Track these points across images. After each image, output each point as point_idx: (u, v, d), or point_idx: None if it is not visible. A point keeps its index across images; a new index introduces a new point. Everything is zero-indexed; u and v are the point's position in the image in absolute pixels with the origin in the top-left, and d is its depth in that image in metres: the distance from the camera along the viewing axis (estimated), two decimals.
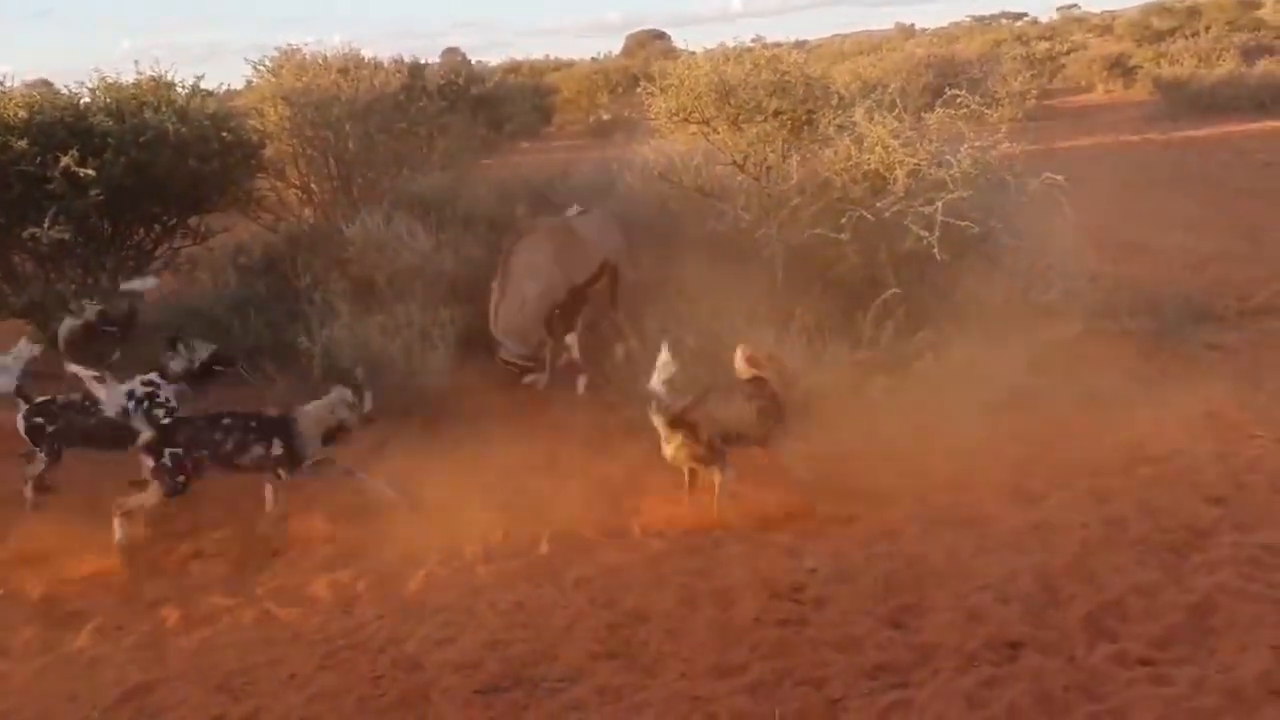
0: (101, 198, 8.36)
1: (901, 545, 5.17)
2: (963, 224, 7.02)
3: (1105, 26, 46.87)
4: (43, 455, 6.23)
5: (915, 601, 4.63)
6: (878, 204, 7.26)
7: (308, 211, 10.90)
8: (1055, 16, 55.07)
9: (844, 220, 7.34)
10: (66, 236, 8.34)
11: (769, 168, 7.92)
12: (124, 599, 5.29)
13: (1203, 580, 4.59)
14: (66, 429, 6.23)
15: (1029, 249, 7.99)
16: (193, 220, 9.63)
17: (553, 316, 7.51)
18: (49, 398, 6.32)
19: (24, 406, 6.24)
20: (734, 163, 8.07)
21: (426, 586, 5.16)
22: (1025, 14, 54.27)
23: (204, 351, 6.52)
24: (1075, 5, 60.50)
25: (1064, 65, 31.91)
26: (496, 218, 9.14)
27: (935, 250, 6.94)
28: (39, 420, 6.23)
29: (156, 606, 5.18)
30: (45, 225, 8.18)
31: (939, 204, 6.96)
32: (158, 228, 9.55)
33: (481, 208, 9.46)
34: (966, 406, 6.57)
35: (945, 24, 55.57)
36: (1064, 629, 4.31)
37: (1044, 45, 32.11)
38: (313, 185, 11.05)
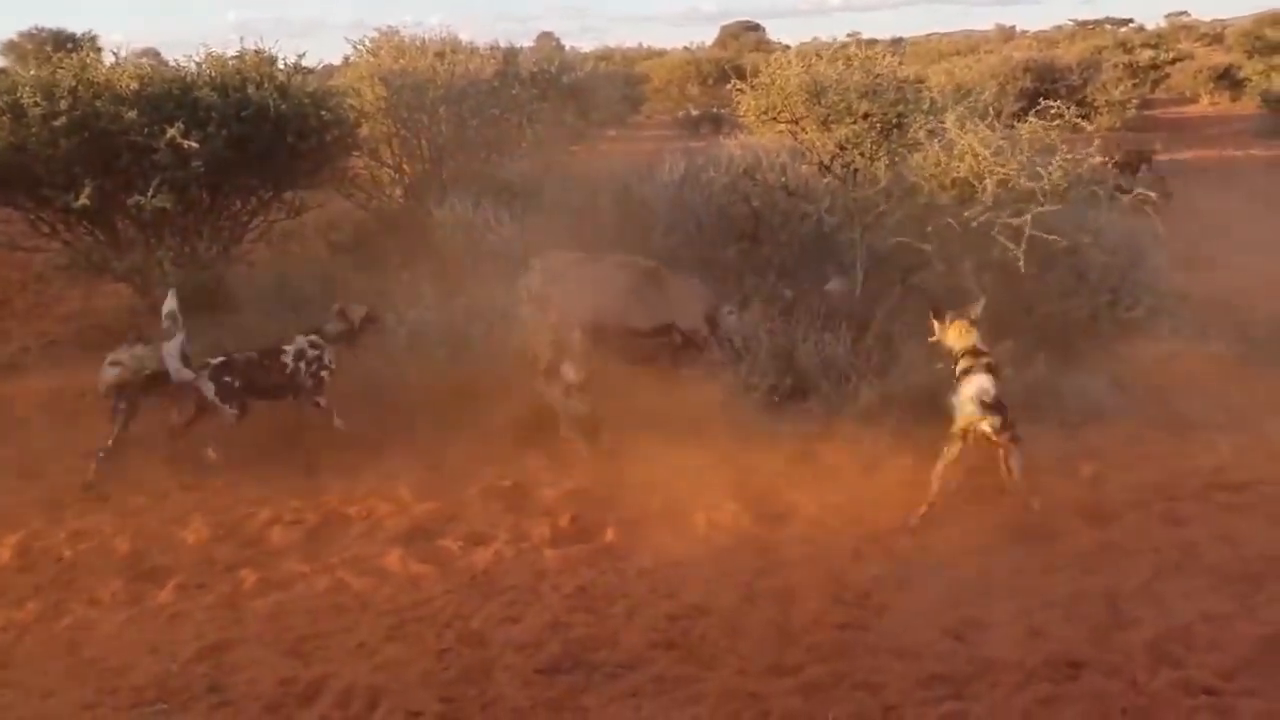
0: (203, 169, 8.62)
1: (967, 557, 5.14)
2: (1050, 237, 6.92)
3: (1215, 36, 45.43)
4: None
5: (978, 615, 4.62)
6: (965, 213, 7.19)
7: (398, 191, 11.11)
8: (1163, 24, 53.56)
9: (930, 228, 7.29)
10: (168, 205, 8.62)
11: (856, 170, 7.89)
12: (204, 559, 5.48)
13: (1277, 612, 4.51)
14: None
15: (1117, 264, 7.86)
16: (288, 194, 9.88)
17: None
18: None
19: None
20: (821, 163, 8.05)
21: (494, 565, 5.27)
22: (1131, 20, 52.83)
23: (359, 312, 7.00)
24: (1185, 13, 58.77)
25: (1168, 75, 31.06)
26: (581, 207, 9.22)
27: (1021, 264, 6.85)
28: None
29: (235, 568, 5.35)
30: (149, 194, 8.47)
31: (1028, 217, 6.86)
32: (254, 200, 9.80)
33: (567, 197, 9.56)
34: (1044, 421, 6.51)
35: (1047, 27, 54.35)
36: (1128, 652, 4.27)
37: (1148, 53, 31.25)
38: (405, 166, 11.25)
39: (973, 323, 5.85)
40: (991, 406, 5.50)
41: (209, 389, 6.50)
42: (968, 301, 6.09)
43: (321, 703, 4.15)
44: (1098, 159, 7.17)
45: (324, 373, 6.76)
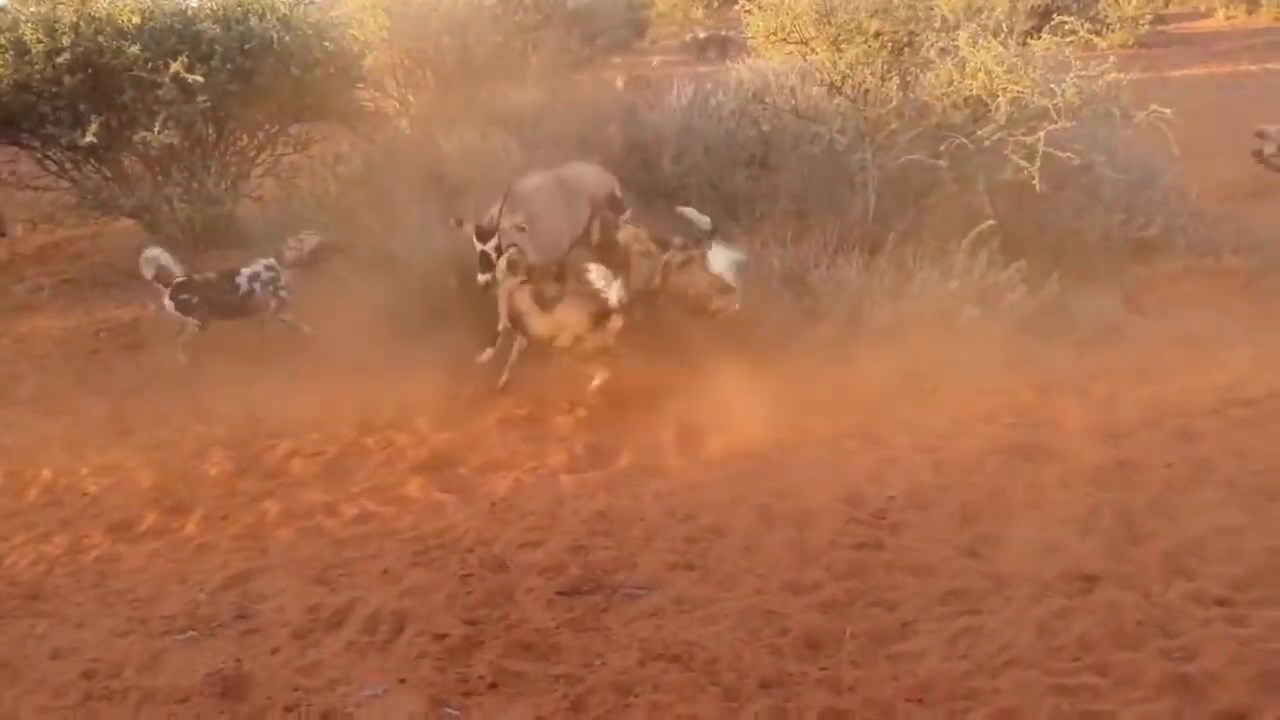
0: (208, 104, 8.58)
1: (982, 476, 5.19)
2: (1064, 155, 6.86)
3: None
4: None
5: (992, 532, 4.67)
6: (978, 131, 7.12)
7: (405, 123, 11.03)
8: None
9: (942, 147, 7.24)
10: (174, 141, 8.60)
11: (867, 90, 7.79)
12: (228, 491, 5.56)
13: None
14: None
15: (1131, 182, 7.80)
16: (294, 128, 9.84)
17: None
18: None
19: None
20: (831, 84, 7.95)
21: (513, 492, 5.33)
22: None
23: (312, 242, 7.31)
24: None
25: None
26: (588, 136, 9.15)
27: (1035, 182, 6.80)
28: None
29: (258, 500, 5.43)
30: (155, 129, 8.45)
31: (1041, 134, 6.80)
32: (260, 135, 9.78)
33: (573, 125, 9.48)
34: (1057, 340, 6.52)
35: None
36: (1141, 565, 4.32)
37: None
38: (410, 97, 11.17)
39: None
40: None
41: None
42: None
43: (349, 628, 4.23)
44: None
45: (283, 292, 7.22)
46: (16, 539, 5.15)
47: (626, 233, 6.87)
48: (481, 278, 6.56)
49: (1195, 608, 4.01)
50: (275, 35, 8.98)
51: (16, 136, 9.09)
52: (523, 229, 6.58)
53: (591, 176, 7.39)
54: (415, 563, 4.70)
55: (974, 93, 7.24)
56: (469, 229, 6.56)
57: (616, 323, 6.09)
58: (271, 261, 7.22)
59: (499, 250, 6.49)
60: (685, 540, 4.76)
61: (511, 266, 6.44)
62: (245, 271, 7.18)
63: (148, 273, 7.15)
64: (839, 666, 3.84)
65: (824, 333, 6.68)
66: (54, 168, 9.30)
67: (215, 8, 9.29)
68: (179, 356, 7.13)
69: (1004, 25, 7.93)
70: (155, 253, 7.20)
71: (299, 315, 7.27)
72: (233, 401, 6.48)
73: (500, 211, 6.52)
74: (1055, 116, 6.90)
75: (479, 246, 6.52)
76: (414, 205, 8.04)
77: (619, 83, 10.56)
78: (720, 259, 6.45)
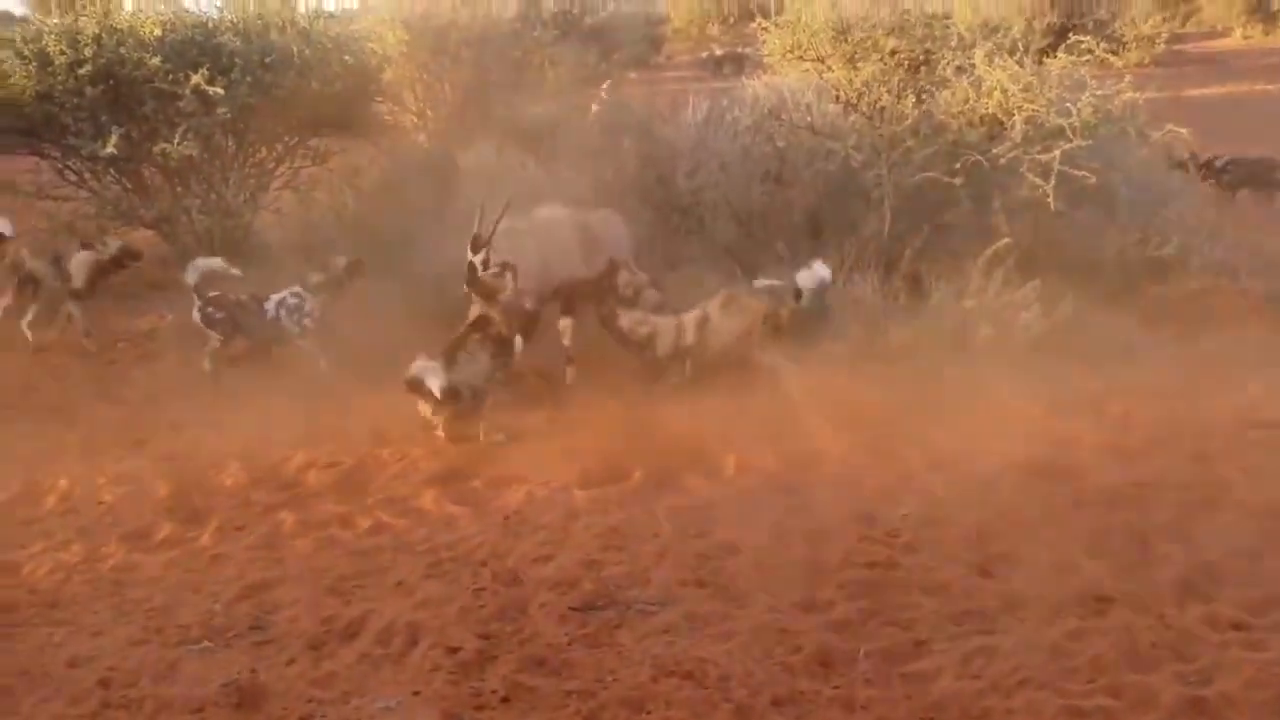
0: (228, 116, 8.65)
1: (996, 495, 5.17)
2: (1080, 174, 6.87)
3: None
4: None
5: (1006, 551, 4.66)
6: (993, 150, 7.14)
7: (422, 137, 11.10)
8: None
9: (958, 165, 7.25)
10: (194, 153, 8.67)
11: (883, 108, 7.82)
12: (243, 502, 5.57)
13: None
14: None
15: (1147, 202, 7.80)
16: (313, 141, 9.90)
17: None
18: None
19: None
20: (847, 101, 7.98)
21: (526, 505, 5.34)
22: None
23: (340, 262, 7.24)
24: None
25: (1200, 7, 30.42)
26: (604, 150, 9.18)
27: (1051, 201, 6.82)
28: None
29: (273, 510, 5.44)
30: (175, 141, 8.52)
31: (1057, 153, 6.82)
32: (279, 147, 9.83)
33: (590, 140, 9.51)
34: (1072, 360, 6.51)
35: None
36: (1155, 587, 4.31)
37: None
38: (428, 111, 11.24)
39: None
40: None
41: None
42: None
43: (363, 639, 4.23)
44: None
45: (306, 320, 7.12)
46: (35, 547, 5.17)
47: (628, 318, 6.73)
48: (466, 289, 6.49)
49: (1210, 631, 4.00)
50: (295, 49, 9.05)
51: (38, 147, 9.18)
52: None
53: (618, 232, 7.24)
54: (429, 575, 4.71)
55: (990, 111, 7.28)
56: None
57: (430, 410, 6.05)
58: (298, 289, 7.11)
59: (485, 265, 6.39)
60: (698, 557, 4.76)
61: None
62: (274, 298, 7.11)
63: (191, 279, 7.07)
64: (852, 685, 3.84)
65: (839, 349, 6.68)
66: (74, 178, 9.37)
67: (236, 20, 9.38)
68: (205, 365, 7.10)
69: (1020, 44, 7.97)
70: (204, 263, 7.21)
71: (323, 345, 7.14)
72: (248, 412, 6.50)
73: (496, 225, 6.41)
74: (1071, 135, 6.93)
75: (469, 256, 6.40)
76: (431, 218, 8.07)
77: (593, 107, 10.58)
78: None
